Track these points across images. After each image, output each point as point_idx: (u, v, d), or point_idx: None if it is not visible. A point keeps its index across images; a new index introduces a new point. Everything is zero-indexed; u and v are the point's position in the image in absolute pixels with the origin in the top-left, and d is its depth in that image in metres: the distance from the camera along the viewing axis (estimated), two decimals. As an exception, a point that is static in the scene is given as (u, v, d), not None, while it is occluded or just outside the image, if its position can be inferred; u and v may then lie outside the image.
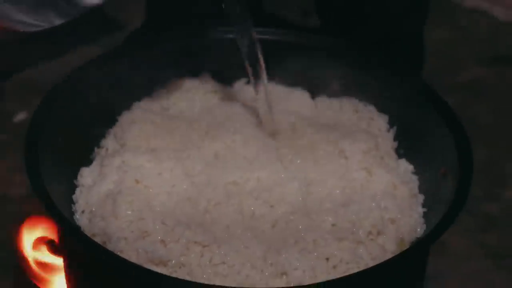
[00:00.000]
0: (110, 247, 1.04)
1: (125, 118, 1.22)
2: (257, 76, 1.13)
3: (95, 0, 1.19)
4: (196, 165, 1.15)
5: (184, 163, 1.15)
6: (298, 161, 1.17)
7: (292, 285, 1.01)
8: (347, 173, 1.16)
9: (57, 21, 1.20)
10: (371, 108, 1.26)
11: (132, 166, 1.14)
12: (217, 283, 1.00)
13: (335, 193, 1.13)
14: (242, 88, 1.29)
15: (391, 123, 1.24)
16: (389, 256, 1.04)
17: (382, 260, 1.03)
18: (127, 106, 1.23)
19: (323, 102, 1.28)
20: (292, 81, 1.29)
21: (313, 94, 1.29)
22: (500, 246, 1.96)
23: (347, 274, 1.01)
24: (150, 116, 1.21)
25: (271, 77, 1.26)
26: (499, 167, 2.14)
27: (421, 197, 1.16)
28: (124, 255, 1.02)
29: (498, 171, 2.13)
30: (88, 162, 1.19)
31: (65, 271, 1.16)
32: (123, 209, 1.08)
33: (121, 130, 1.20)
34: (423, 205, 1.14)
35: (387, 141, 1.22)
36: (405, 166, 1.20)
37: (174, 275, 1.01)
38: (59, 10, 1.19)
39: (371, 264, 1.03)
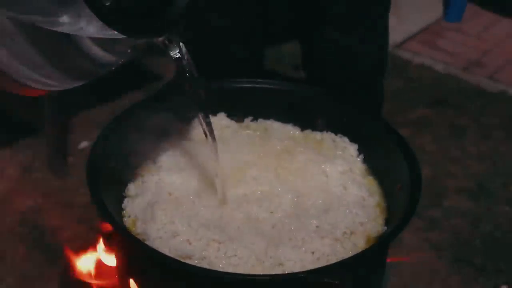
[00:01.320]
0: (148, 244, 1.02)
1: (160, 146, 1.19)
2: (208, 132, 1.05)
3: (111, 58, 0.84)
4: (215, 182, 1.11)
5: (205, 180, 1.13)
6: (291, 178, 1.14)
7: (286, 273, 1.00)
8: (328, 188, 1.14)
9: (75, 83, 0.86)
10: (345, 139, 1.23)
11: (166, 182, 1.12)
12: (230, 271, 0.99)
13: (318, 202, 1.11)
14: (249, 123, 1.26)
15: (360, 151, 1.22)
16: (359, 250, 1.04)
17: (354, 253, 1.02)
18: (162, 137, 1.20)
19: (309, 134, 1.25)
20: (286, 119, 1.26)
21: (302, 128, 1.26)
22: (441, 242, 1.95)
23: (328, 264, 1.00)
24: (180, 144, 1.19)
25: (270, 115, 1.25)
26: (440, 182, 2.14)
27: (383, 206, 1.13)
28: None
29: (439, 185, 2.13)
30: (133, 179, 1.16)
31: (116, 262, 1.13)
32: (158, 215, 1.05)
33: (158, 155, 1.18)
34: (385, 212, 1.12)
35: (358, 164, 1.20)
36: (371, 183, 1.17)
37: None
38: (78, 70, 0.84)
39: (346, 256, 1.02)
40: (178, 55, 0.92)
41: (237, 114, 1.25)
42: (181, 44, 0.92)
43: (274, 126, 1.24)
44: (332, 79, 1.64)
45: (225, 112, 1.25)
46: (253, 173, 1.13)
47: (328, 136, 1.24)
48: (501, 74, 2.59)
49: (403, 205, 1.04)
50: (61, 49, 0.79)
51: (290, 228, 1.06)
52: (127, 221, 1.08)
